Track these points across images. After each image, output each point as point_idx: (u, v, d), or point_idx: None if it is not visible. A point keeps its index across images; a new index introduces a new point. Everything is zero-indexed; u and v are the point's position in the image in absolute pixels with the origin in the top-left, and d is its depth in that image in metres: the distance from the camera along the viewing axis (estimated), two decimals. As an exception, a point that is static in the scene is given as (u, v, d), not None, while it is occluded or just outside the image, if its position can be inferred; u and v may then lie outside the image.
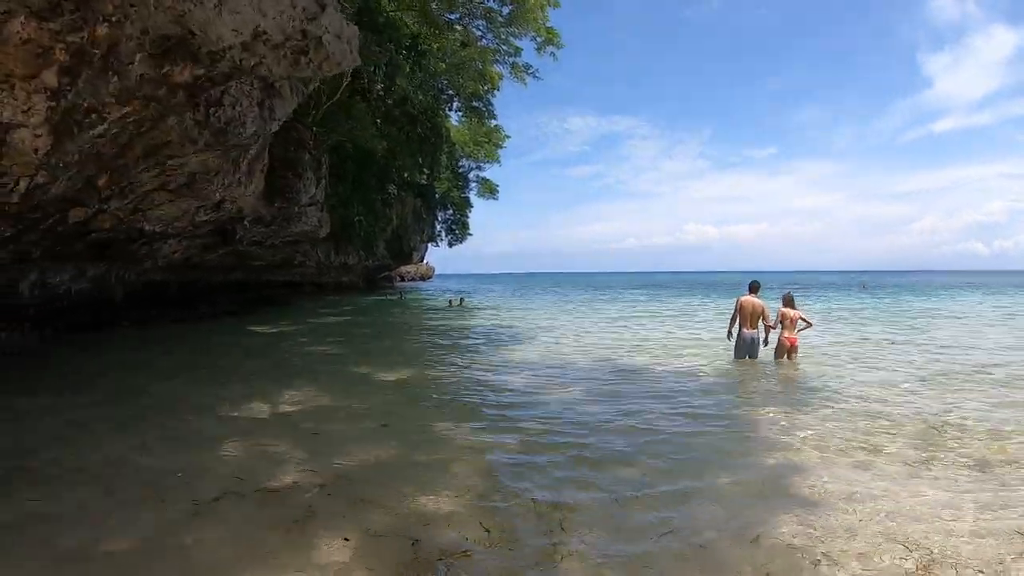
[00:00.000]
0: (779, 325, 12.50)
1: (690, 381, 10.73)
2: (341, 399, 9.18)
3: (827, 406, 8.82)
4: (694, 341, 16.46)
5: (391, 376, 11.13)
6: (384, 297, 42.07)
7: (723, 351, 13.47)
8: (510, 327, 20.87)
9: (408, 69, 19.23)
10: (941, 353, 14.37)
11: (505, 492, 5.39)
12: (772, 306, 12.79)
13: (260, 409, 8.44)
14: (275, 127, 12.80)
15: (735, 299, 12.75)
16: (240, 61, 8.78)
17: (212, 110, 10.35)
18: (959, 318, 25.26)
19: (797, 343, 12.67)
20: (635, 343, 16.21)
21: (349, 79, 22.53)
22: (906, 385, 10.52)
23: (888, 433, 7.48)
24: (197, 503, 5.10)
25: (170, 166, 11.29)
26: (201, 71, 8.70)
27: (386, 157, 30.16)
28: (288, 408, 8.55)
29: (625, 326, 21.19)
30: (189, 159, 11.36)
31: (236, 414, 8.21)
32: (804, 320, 12.67)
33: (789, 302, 12.70)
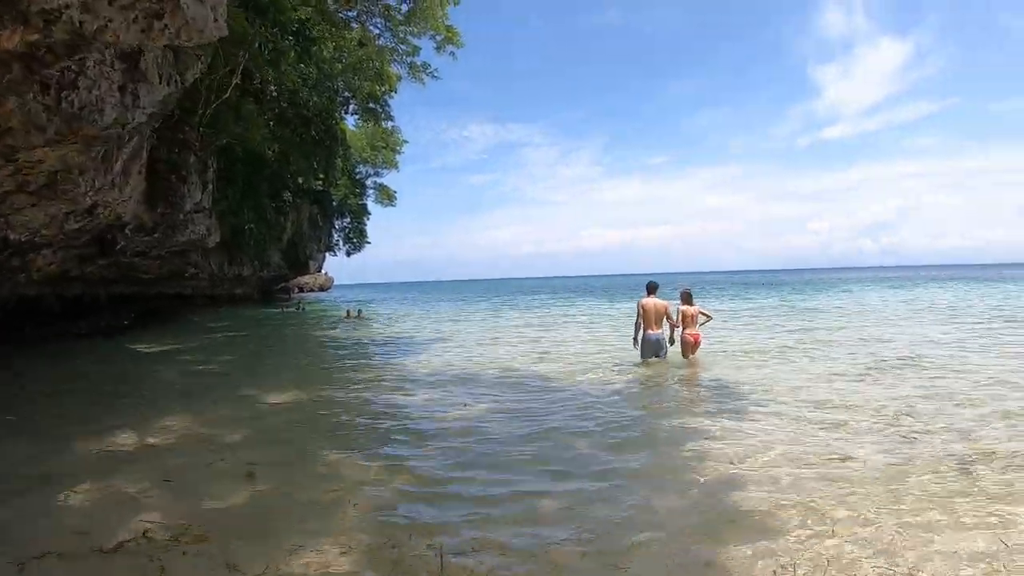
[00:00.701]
0: (680, 323, 12.58)
1: (602, 391, 10.10)
2: (220, 427, 8.06)
3: (760, 411, 8.42)
4: (599, 346, 16.11)
5: (279, 398, 10.05)
6: (280, 310, 40.26)
7: (629, 355, 13.09)
8: (410, 338, 20.05)
9: (293, 55, 17.91)
10: (856, 348, 14.58)
11: (403, 546, 4.36)
12: (675, 305, 12.82)
13: (125, 442, 7.32)
14: (142, 116, 11.39)
15: (636, 303, 12.72)
16: (81, 24, 7.49)
17: (64, 93, 8.95)
18: (869, 312, 26.25)
19: (700, 339, 12.84)
20: (540, 351, 15.66)
21: (239, 78, 21.19)
22: (836, 383, 10.38)
23: (833, 433, 7.23)
24: (20, 563, 4.08)
25: (24, 162, 9.86)
26: (35, 36, 7.38)
27: (279, 161, 28.74)
28: (156, 440, 7.43)
29: (528, 333, 20.63)
30: (44, 153, 9.94)
31: (95, 448, 7.04)
32: (704, 315, 12.92)
33: (687, 299, 12.82)
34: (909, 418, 7.81)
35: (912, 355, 13.02)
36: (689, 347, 12.59)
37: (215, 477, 5.94)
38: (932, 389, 9.55)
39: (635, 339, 12.53)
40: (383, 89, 27.09)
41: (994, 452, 6.30)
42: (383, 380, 11.81)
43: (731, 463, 6.15)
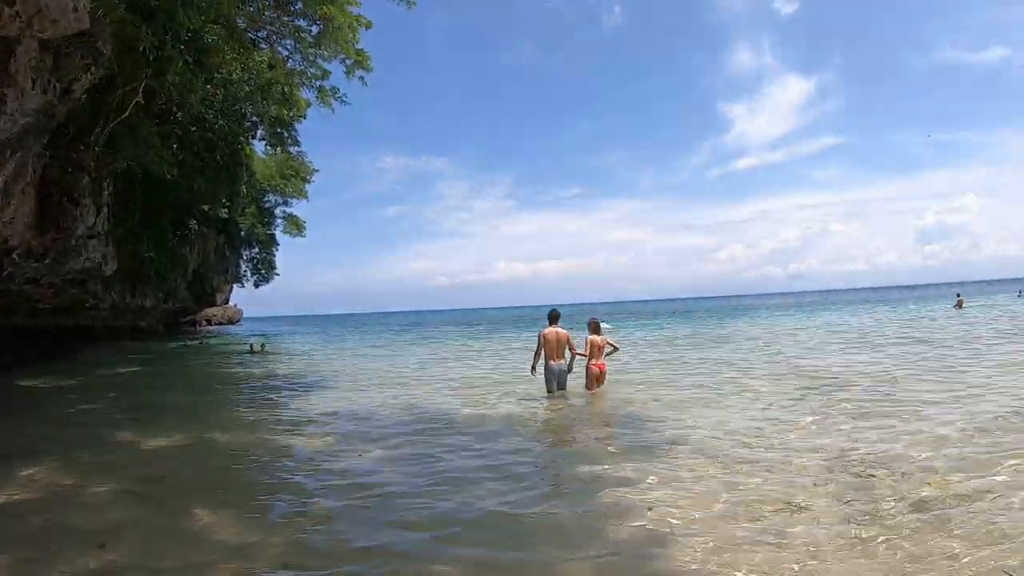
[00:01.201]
0: (586, 353, 12.39)
1: (508, 430, 9.50)
2: (90, 478, 7.19)
3: (681, 450, 7.83)
4: (505, 379, 15.58)
5: (161, 442, 9.16)
6: (184, 343, 38.39)
7: (535, 387, 12.68)
8: (313, 374, 19.08)
9: (181, 64, 17.06)
10: (777, 375, 14.52)
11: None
12: (580, 336, 12.71)
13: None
14: (13, 126, 10.53)
15: (537, 333, 12.40)
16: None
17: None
18: (782, 337, 26.81)
19: (606, 369, 12.62)
20: (445, 387, 15.05)
21: (142, 97, 20.21)
22: (763, 415, 10.07)
23: (773, 475, 6.54)
24: None
25: None
26: None
27: (182, 186, 27.54)
28: (18, 494, 6.60)
29: (435, 368, 20.09)
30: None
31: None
32: (611, 345, 12.69)
33: (595, 328, 12.64)
34: (854, 452, 7.28)
35: (837, 380, 13.05)
36: (594, 378, 12.36)
37: (64, 545, 5.14)
38: (868, 417, 9.27)
39: (533, 367, 12.28)
40: (291, 114, 26.35)
41: (956, 489, 5.78)
42: (277, 422, 10.97)
43: (653, 513, 5.50)
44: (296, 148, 28.06)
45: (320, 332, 59.06)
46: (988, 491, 5.67)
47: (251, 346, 30.57)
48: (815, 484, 6.14)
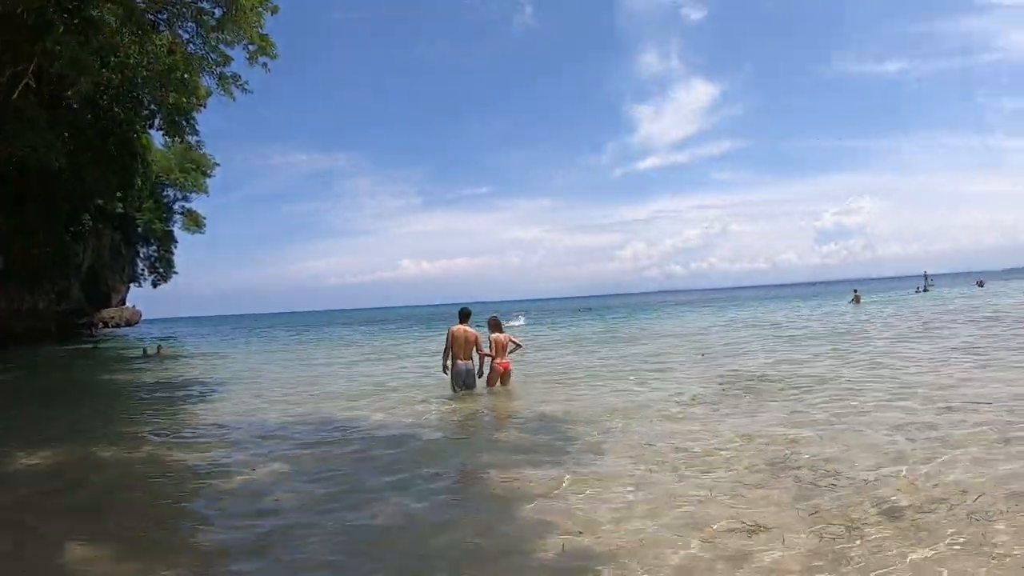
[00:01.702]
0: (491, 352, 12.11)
1: (415, 435, 8.72)
2: None
3: (608, 453, 7.21)
4: (413, 380, 14.86)
5: (38, 459, 8.02)
6: (76, 347, 35.75)
7: (441, 388, 12.22)
8: (209, 379, 18.00)
9: (63, 31, 15.98)
10: (695, 371, 14.41)
11: None
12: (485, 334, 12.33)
13: None
14: None
15: (447, 330, 11.96)
16: None
17: None
18: (691, 332, 27.14)
19: (511, 367, 12.39)
20: (349, 389, 14.19)
21: (33, 80, 19.02)
22: (687, 412, 9.67)
23: (714, 480, 5.87)
24: None
25: None
26: None
27: (73, 178, 26.07)
28: None
29: (338, 370, 19.12)
30: None
31: None
32: (514, 343, 12.51)
33: (496, 326, 12.35)
34: (799, 455, 6.60)
35: (765, 377, 12.63)
36: (498, 376, 12.04)
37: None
38: (805, 416, 8.69)
39: (444, 366, 11.82)
40: (191, 102, 25.15)
41: (931, 493, 5.23)
42: (168, 434, 9.74)
43: (581, 533, 4.73)
44: (195, 138, 26.55)
45: (222, 334, 56.36)
46: (963, 491, 5.18)
47: (145, 350, 28.72)
48: (768, 495, 5.42)
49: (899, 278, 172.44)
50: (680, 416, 9.24)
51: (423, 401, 11.58)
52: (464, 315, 11.90)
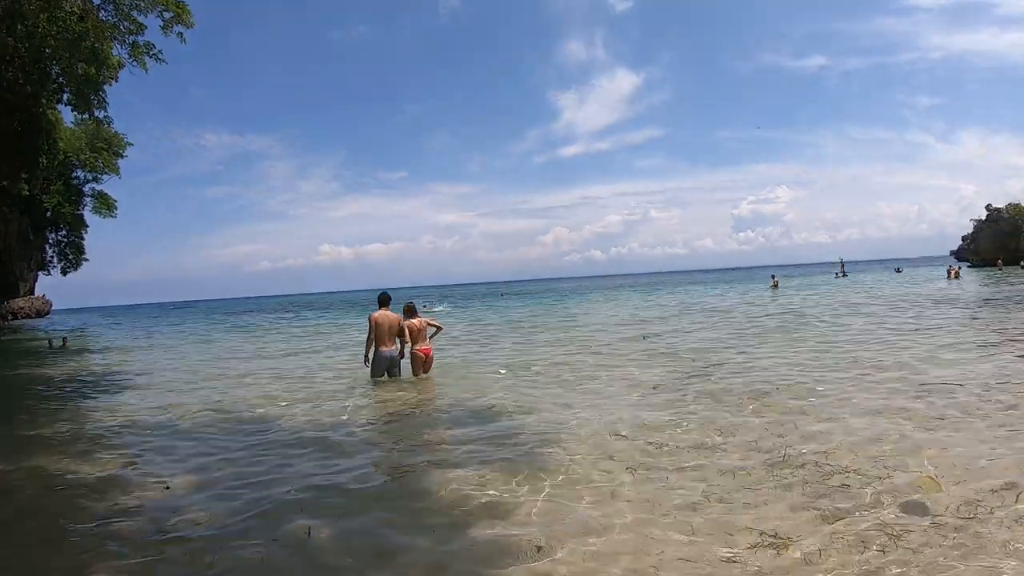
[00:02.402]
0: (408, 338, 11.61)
1: (339, 435, 7.74)
2: None
3: (560, 451, 6.37)
4: (335, 370, 14.00)
5: None
6: None
7: (363, 375, 11.76)
8: (118, 374, 16.43)
9: None
10: (645, 355, 13.87)
11: None
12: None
13: None
14: None
15: (368, 317, 11.53)
16: None
17: None
18: (621, 313, 26.82)
19: (432, 353, 11.94)
20: (266, 382, 12.91)
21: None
22: (648, 402, 9.63)
23: (703, 482, 5.09)
24: None
25: None
26: None
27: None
28: None
29: (254, 361, 17.75)
30: None
31: None
32: (433, 326, 12.15)
33: (411, 312, 11.88)
34: (792, 446, 5.96)
35: (722, 364, 11.85)
36: (420, 363, 11.61)
37: None
38: (778, 406, 7.95)
39: (366, 356, 11.43)
40: (103, 73, 23.62)
41: (957, 490, 4.60)
42: (66, 439, 8.36)
43: (547, 554, 3.91)
44: (104, 113, 24.97)
45: (136, 323, 52.78)
46: (994, 489, 4.55)
47: (50, 341, 27.25)
48: (776, 498, 4.66)
49: (815, 264, 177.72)
50: (645, 405, 8.41)
51: (346, 390, 11.00)
52: (383, 300, 11.52)
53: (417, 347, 11.56)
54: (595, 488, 5.11)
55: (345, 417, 8.79)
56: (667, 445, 6.30)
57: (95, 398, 12.30)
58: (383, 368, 11.29)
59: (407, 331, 11.47)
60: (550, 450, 6.37)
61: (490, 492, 5.15)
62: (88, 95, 24.35)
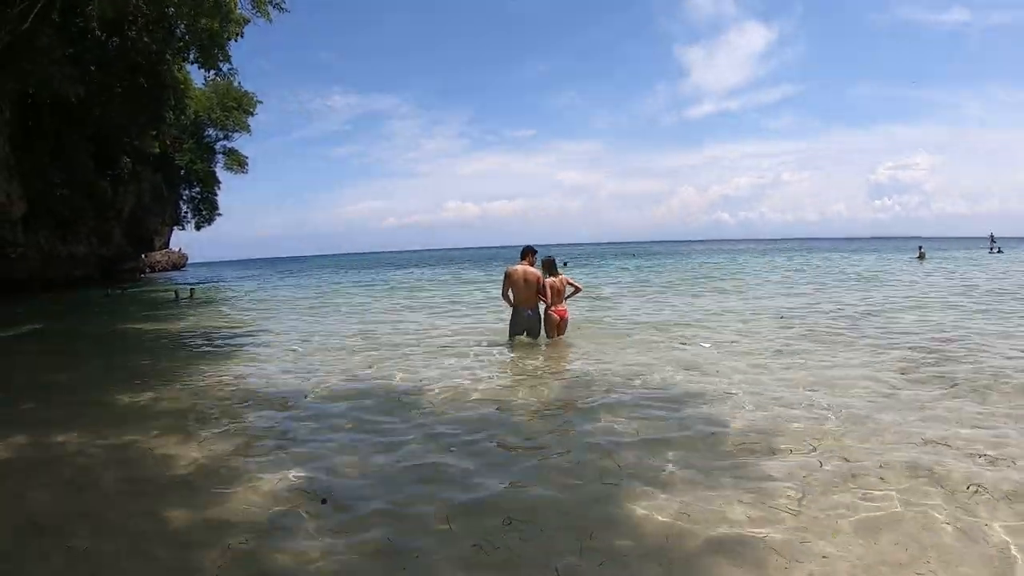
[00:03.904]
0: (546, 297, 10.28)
1: (488, 412, 6.37)
2: None
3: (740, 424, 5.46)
4: (469, 331, 12.47)
5: None
6: (105, 292, 31.05)
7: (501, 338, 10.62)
8: (239, 331, 14.84)
9: None
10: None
11: None
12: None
13: None
14: None
15: (504, 270, 10.45)
16: None
17: None
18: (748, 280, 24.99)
19: (567, 315, 10.57)
20: (396, 347, 11.05)
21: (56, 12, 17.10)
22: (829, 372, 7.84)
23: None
24: None
25: None
26: None
27: (95, 112, 24.18)
28: None
29: (382, 319, 15.77)
30: None
31: None
32: (572, 285, 10.63)
33: (551, 267, 10.50)
34: None
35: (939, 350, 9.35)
36: (554, 325, 10.38)
37: None
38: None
39: (513, 308, 10.32)
40: (227, 29, 22.94)
41: None
42: (167, 411, 6.91)
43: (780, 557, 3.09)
44: (228, 66, 24.53)
45: (265, 277, 51.45)
46: None
47: (176, 292, 26.83)
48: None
49: (956, 239, 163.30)
50: (875, 397, 6.45)
51: (488, 360, 9.36)
52: (528, 252, 10.31)
53: (553, 308, 10.35)
54: (849, 504, 3.81)
55: (489, 390, 7.34)
56: (933, 470, 4.37)
57: (210, 357, 11.05)
58: (522, 327, 10.30)
59: (545, 289, 10.21)
60: (754, 451, 4.84)
61: (686, 494, 3.99)
62: (213, 51, 23.88)
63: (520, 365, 8.92)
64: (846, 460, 4.55)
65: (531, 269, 10.17)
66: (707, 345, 10.13)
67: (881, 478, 4.18)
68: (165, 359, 11.25)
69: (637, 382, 7.39)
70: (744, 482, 4.18)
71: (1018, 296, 16.57)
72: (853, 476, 4.22)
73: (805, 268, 34.84)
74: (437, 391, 7.27)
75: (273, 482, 4.46)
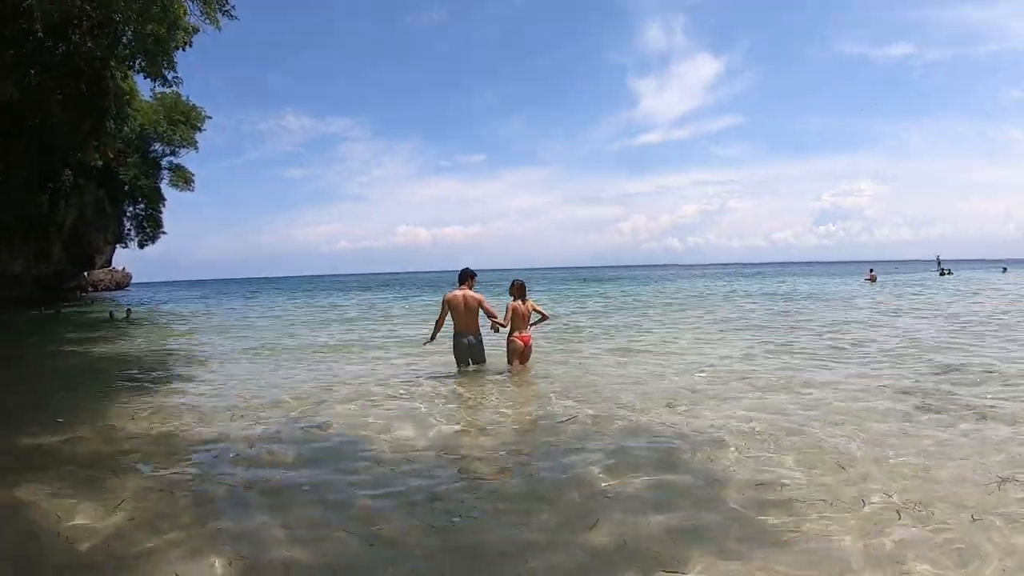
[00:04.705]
0: (508, 321, 10.00)
1: (428, 455, 5.72)
2: None
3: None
4: (418, 360, 11.68)
5: None
6: (38, 313, 31.01)
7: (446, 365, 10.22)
8: (174, 358, 14.31)
9: None
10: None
11: None
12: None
13: None
14: None
15: (442, 297, 10.09)
16: None
17: None
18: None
19: (531, 342, 10.23)
20: (347, 378, 10.32)
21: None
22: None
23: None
24: None
25: None
26: None
27: (36, 121, 23.08)
28: None
29: (331, 349, 14.58)
30: None
31: None
32: (539, 312, 10.33)
33: (520, 291, 10.09)
34: None
35: (951, 363, 9.85)
36: (517, 353, 10.02)
37: None
38: None
39: (432, 336, 10.10)
40: (174, 37, 22.00)
41: None
42: (76, 459, 5.85)
43: None
44: (173, 74, 23.54)
45: (211, 299, 50.58)
46: None
47: (111, 313, 26.04)
48: None
49: (901, 262, 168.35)
50: (894, 422, 6.12)
51: (446, 395, 8.68)
52: (465, 276, 9.93)
53: (517, 334, 10.01)
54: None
55: (442, 433, 6.58)
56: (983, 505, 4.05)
57: (137, 390, 9.78)
58: (465, 355, 9.93)
59: (508, 313, 9.90)
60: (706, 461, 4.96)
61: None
62: (158, 58, 22.91)
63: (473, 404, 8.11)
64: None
65: (471, 293, 9.83)
66: (701, 375, 9.67)
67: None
68: (85, 390, 10.09)
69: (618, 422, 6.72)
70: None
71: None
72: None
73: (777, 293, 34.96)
74: (383, 440, 6.38)
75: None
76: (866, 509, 4.01)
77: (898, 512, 3.93)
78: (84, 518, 4.32)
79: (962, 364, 9.61)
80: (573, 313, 23.54)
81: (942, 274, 54.77)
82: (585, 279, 77.66)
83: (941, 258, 63.45)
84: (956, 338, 12.96)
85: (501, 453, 5.78)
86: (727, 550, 3.52)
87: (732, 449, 5.43)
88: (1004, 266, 73.20)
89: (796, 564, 3.32)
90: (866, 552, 3.42)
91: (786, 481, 4.61)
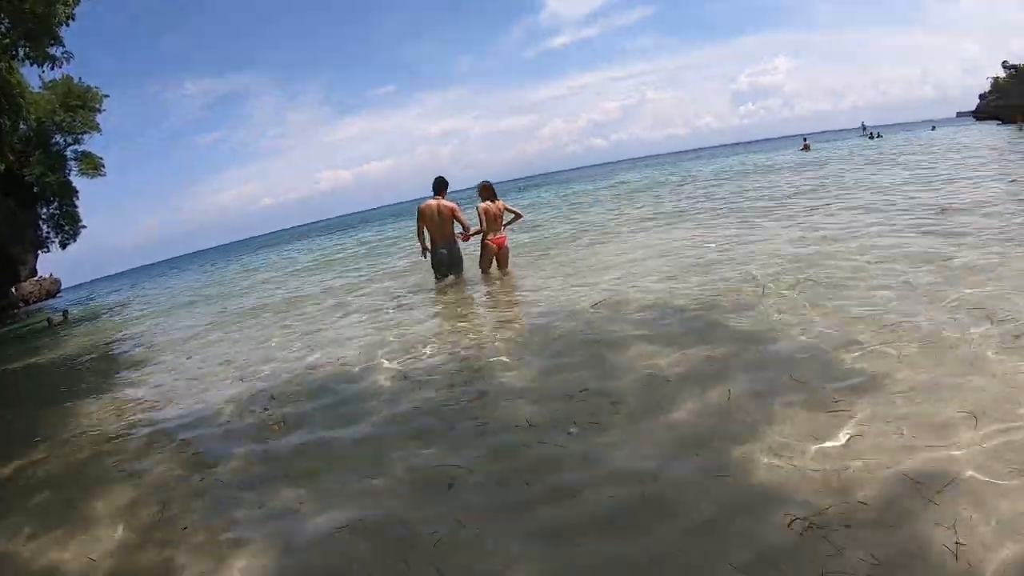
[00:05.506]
0: (484, 225, 9.93)
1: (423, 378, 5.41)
2: None
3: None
4: (381, 292, 11.22)
5: None
6: None
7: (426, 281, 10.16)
8: (121, 348, 13.21)
9: None
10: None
11: None
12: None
13: None
14: None
15: (416, 210, 9.81)
16: None
17: None
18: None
19: (506, 243, 10.20)
20: (302, 330, 9.43)
21: None
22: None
23: None
24: None
25: None
26: None
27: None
28: None
29: (282, 307, 13.12)
30: None
31: None
32: (512, 211, 10.19)
33: (488, 193, 10.06)
34: None
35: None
36: (491, 256, 9.96)
37: None
38: None
39: (424, 250, 9.89)
40: (55, 12, 20.24)
41: None
42: (37, 488, 4.99)
43: None
44: (61, 49, 21.73)
45: (147, 284, 48.74)
46: None
47: (49, 319, 24.60)
48: None
49: (825, 132, 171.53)
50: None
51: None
52: (439, 185, 9.75)
53: (490, 237, 9.91)
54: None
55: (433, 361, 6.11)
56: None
57: (97, 392, 8.63)
58: (444, 268, 9.91)
59: (480, 216, 9.85)
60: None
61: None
62: (42, 38, 21.09)
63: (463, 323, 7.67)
64: None
65: (445, 202, 9.65)
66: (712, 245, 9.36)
67: None
68: (40, 402, 9.09)
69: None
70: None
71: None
72: None
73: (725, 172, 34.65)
74: (383, 377, 5.83)
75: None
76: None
77: None
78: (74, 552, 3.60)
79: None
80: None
81: (871, 138, 55.49)
82: (521, 188, 76.05)
83: (866, 124, 64.37)
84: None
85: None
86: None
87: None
88: (933, 124, 74.04)
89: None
90: None
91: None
